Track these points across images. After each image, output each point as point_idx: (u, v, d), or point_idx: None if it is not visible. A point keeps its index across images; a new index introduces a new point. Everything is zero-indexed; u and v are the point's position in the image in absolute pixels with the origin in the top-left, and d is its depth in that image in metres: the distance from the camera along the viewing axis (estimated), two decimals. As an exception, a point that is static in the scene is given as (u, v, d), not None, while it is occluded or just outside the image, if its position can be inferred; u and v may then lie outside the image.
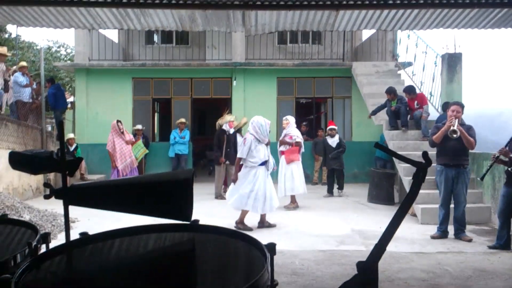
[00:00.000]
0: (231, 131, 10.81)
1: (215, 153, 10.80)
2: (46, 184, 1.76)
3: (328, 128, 11.63)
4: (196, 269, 1.71)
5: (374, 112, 10.95)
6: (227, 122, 10.80)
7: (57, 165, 1.75)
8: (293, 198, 9.47)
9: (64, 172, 1.72)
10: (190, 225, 1.89)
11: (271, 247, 1.64)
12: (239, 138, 10.26)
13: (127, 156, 10.87)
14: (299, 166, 9.49)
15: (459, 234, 6.87)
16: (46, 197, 1.74)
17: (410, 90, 10.43)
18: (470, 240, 6.76)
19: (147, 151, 12.36)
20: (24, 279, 1.51)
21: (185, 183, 1.75)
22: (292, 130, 9.64)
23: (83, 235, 1.84)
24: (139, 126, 13.07)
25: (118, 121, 11.17)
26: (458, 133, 6.48)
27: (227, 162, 10.71)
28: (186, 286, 1.55)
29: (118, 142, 10.79)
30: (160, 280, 1.58)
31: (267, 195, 7.32)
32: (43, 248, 1.85)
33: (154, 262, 1.73)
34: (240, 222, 7.44)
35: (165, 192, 1.76)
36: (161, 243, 1.91)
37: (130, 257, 1.80)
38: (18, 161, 1.80)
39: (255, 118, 7.52)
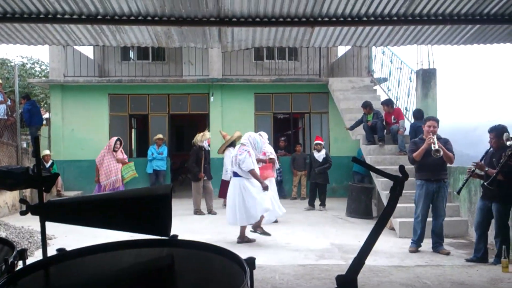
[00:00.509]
0: (207, 147, 10.99)
1: (193, 169, 10.78)
2: (22, 200, 1.73)
3: (314, 142, 11.70)
4: (176, 284, 1.70)
5: (352, 128, 11.09)
6: (206, 139, 10.91)
7: (33, 181, 1.73)
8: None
9: (40, 188, 1.69)
10: (169, 240, 1.88)
11: (251, 261, 1.65)
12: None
13: (112, 174, 10.69)
14: (272, 182, 9.52)
15: (438, 247, 6.94)
16: (22, 213, 1.71)
17: (388, 102, 10.61)
18: (448, 253, 6.84)
19: (136, 175, 11.83)
20: (0, 296, 1.48)
21: (164, 199, 1.74)
22: (266, 147, 9.65)
23: (60, 251, 1.81)
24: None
25: (118, 139, 11.12)
26: (441, 152, 6.60)
27: (205, 178, 10.77)
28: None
29: (107, 159, 10.68)
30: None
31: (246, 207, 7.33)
32: (19, 265, 1.81)
33: (133, 278, 1.71)
34: (241, 236, 7.55)
35: (143, 208, 1.75)
36: (140, 258, 1.89)
37: (109, 273, 1.78)
38: (-7, 177, 1.76)
39: (251, 134, 7.69)
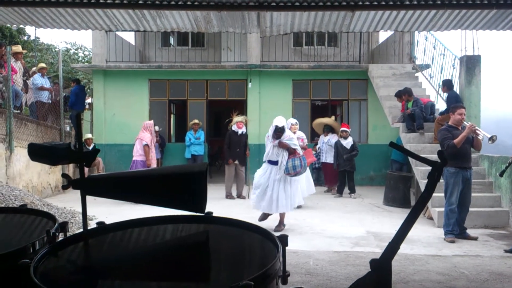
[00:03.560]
0: (240, 131, 10.96)
1: (225, 153, 10.91)
2: (64, 175, 1.79)
3: (341, 130, 11.57)
4: (209, 259, 1.73)
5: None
6: (235, 123, 10.96)
7: (74, 156, 1.79)
8: None
9: (81, 163, 1.75)
10: (204, 217, 1.91)
11: (283, 238, 1.66)
12: None
13: (155, 158, 10.92)
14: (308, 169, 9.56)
15: (465, 234, 7.01)
16: (64, 187, 1.78)
17: (400, 94, 10.77)
18: (476, 238, 6.96)
19: None
20: (43, 264, 1.54)
21: (199, 176, 1.77)
22: (301, 134, 9.63)
23: (100, 224, 1.87)
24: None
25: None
26: (496, 139, 6.71)
27: (236, 162, 10.88)
28: (199, 276, 1.57)
29: (153, 144, 10.82)
30: (175, 270, 1.61)
31: (273, 196, 7.23)
32: (61, 237, 1.89)
33: (169, 252, 1.75)
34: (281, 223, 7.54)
35: (179, 184, 1.78)
36: (176, 234, 1.93)
37: (145, 247, 1.83)
38: (37, 152, 1.83)
39: (276, 119, 7.46)
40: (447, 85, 10.12)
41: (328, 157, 11.74)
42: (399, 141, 10.98)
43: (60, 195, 11.41)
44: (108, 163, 13.56)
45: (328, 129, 12.05)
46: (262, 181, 7.28)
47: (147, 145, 10.23)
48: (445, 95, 10.29)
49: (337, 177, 11.69)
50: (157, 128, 13.07)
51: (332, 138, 11.83)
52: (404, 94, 10.58)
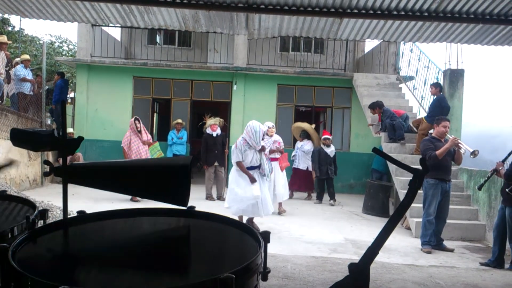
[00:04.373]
0: (215, 134, 10.97)
1: (202, 156, 11.03)
2: (46, 161, 1.77)
3: (323, 137, 11.59)
4: (191, 252, 1.72)
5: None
6: (209, 126, 11.01)
7: (57, 143, 1.76)
8: (280, 203, 9.53)
9: (64, 150, 1.73)
10: (186, 211, 1.90)
11: (266, 235, 1.66)
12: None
13: (143, 156, 10.16)
14: (284, 173, 9.59)
15: (441, 245, 7.09)
16: (46, 174, 1.75)
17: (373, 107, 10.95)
18: (452, 250, 7.02)
19: (163, 154, 11.77)
20: (22, 250, 1.52)
21: (183, 169, 1.76)
22: (278, 137, 9.66)
23: (81, 213, 1.85)
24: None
25: (136, 118, 10.57)
26: (478, 153, 6.86)
27: (216, 164, 10.93)
28: (180, 268, 1.56)
29: (135, 141, 10.20)
30: (155, 261, 1.59)
31: (263, 201, 7.28)
32: (40, 224, 1.86)
33: (149, 245, 1.74)
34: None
35: (163, 176, 1.77)
36: (157, 226, 1.92)
37: (126, 238, 1.81)
38: (20, 137, 1.80)
39: (251, 122, 7.31)
40: (440, 87, 9.83)
41: (301, 163, 11.71)
42: (381, 150, 11.06)
43: (38, 188, 11.24)
44: (88, 158, 13.38)
45: (305, 135, 12.06)
46: (258, 193, 7.19)
47: (122, 147, 10.09)
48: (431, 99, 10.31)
49: (309, 183, 11.78)
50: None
51: (306, 145, 11.85)
52: (376, 107, 10.78)
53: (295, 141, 13.75)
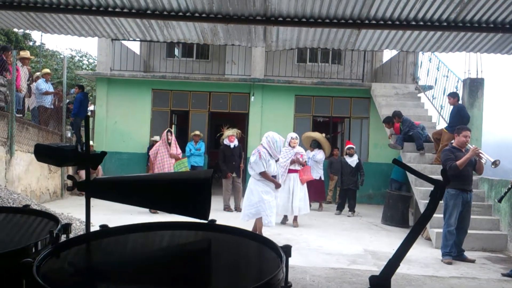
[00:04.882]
0: (232, 145, 11.00)
1: (221, 167, 11.02)
2: (70, 176, 1.80)
3: (346, 147, 11.56)
4: (212, 267, 1.72)
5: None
6: (226, 137, 11.03)
7: (81, 158, 1.79)
8: (296, 217, 9.44)
9: (87, 165, 1.75)
10: (207, 224, 1.91)
11: (287, 249, 1.65)
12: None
13: (165, 169, 10.15)
14: (305, 186, 9.48)
15: (462, 256, 6.98)
16: (69, 189, 1.78)
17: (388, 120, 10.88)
18: (473, 261, 6.92)
19: (189, 170, 11.51)
20: (45, 264, 1.54)
21: (204, 183, 1.77)
22: (301, 149, 9.59)
23: (103, 227, 1.87)
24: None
25: (168, 130, 10.55)
26: (499, 163, 6.76)
27: (234, 175, 10.98)
28: (201, 284, 1.57)
29: (161, 152, 10.19)
30: (176, 276, 1.60)
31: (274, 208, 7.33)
32: (63, 238, 1.88)
33: (171, 258, 1.75)
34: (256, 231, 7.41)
35: (184, 190, 1.78)
36: (178, 240, 1.93)
37: (147, 252, 1.83)
38: (43, 153, 1.84)
39: (270, 133, 7.37)
40: (457, 97, 9.75)
41: (314, 173, 11.54)
42: (400, 160, 10.96)
43: (58, 200, 11.38)
44: (107, 171, 13.53)
45: (315, 145, 12.01)
46: (269, 198, 7.24)
47: (149, 156, 10.15)
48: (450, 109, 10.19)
49: (321, 192, 11.74)
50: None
51: (318, 154, 11.80)
52: (394, 117, 10.67)
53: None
